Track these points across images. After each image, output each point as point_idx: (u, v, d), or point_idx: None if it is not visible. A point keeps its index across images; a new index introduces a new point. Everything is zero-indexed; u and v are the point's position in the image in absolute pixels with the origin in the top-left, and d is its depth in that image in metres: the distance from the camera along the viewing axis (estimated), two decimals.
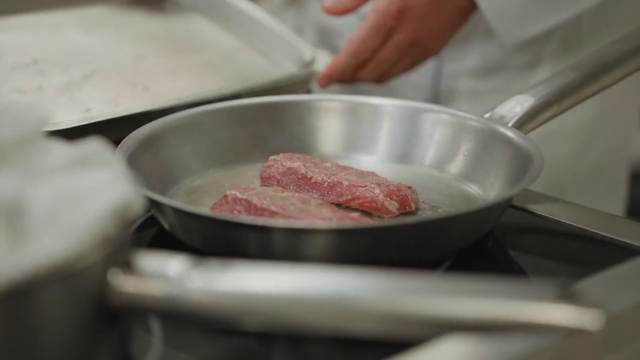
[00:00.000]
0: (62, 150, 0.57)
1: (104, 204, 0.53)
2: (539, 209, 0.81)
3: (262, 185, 0.85)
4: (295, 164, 0.84)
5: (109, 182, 0.55)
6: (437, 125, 0.89)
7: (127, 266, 0.55)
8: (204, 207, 0.79)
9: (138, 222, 0.79)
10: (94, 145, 0.57)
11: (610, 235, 0.77)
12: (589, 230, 0.78)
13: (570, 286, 0.53)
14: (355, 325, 0.54)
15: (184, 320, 0.56)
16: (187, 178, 0.85)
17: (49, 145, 0.57)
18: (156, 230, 0.78)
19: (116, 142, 0.80)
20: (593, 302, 0.51)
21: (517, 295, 0.53)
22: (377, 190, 0.79)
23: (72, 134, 0.76)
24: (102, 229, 0.52)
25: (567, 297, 0.52)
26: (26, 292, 0.49)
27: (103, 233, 0.52)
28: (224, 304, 0.54)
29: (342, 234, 0.68)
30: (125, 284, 0.54)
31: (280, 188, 0.82)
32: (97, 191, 0.54)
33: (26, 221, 0.51)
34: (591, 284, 0.67)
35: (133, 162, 0.79)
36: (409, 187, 0.81)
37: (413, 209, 0.80)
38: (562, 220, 0.80)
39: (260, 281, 0.55)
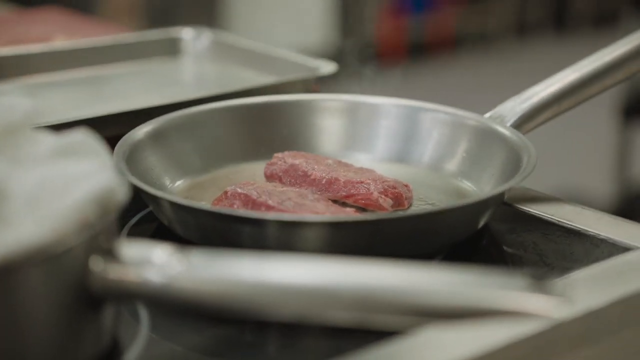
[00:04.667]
0: (49, 140, 0.59)
1: (85, 191, 0.55)
2: (534, 207, 0.82)
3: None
4: (297, 161, 0.85)
5: (93, 170, 0.56)
6: (435, 125, 0.90)
7: (110, 253, 0.57)
8: (203, 202, 0.81)
9: (137, 217, 0.80)
10: (80, 135, 0.59)
11: (602, 234, 0.78)
12: (582, 229, 0.79)
13: (542, 277, 0.53)
14: (333, 313, 0.55)
15: (166, 307, 0.57)
16: (189, 175, 0.87)
17: (36, 136, 0.59)
18: (155, 226, 0.80)
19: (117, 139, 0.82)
20: (561, 293, 0.52)
21: (487, 285, 0.53)
22: (371, 187, 0.80)
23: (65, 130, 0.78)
24: (82, 214, 0.54)
25: (536, 287, 0.52)
26: (6, 273, 0.51)
27: (83, 219, 0.54)
28: (205, 291, 0.55)
29: (330, 227, 0.69)
30: (107, 270, 0.56)
31: (282, 184, 0.84)
32: (81, 179, 0.55)
33: (8, 207, 0.53)
34: (575, 278, 0.68)
35: (134, 158, 0.81)
36: (406, 185, 0.83)
37: (406, 206, 0.81)
38: (556, 218, 0.81)
39: (243, 268, 0.56)
